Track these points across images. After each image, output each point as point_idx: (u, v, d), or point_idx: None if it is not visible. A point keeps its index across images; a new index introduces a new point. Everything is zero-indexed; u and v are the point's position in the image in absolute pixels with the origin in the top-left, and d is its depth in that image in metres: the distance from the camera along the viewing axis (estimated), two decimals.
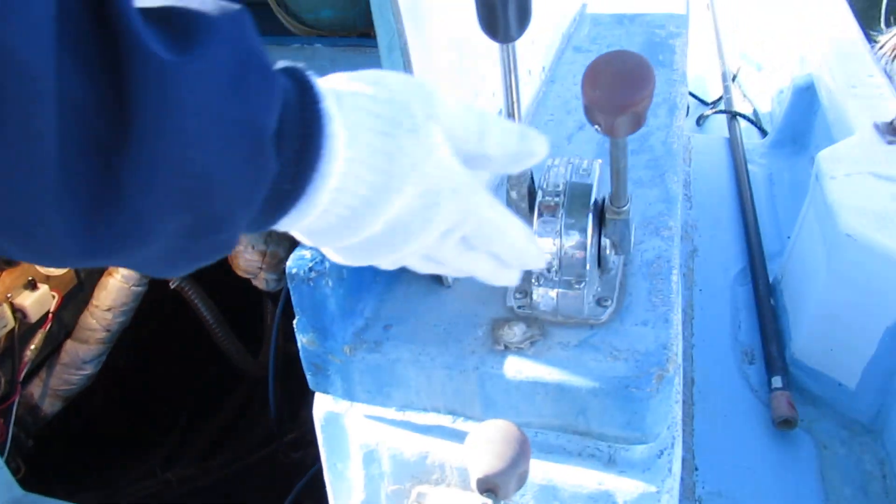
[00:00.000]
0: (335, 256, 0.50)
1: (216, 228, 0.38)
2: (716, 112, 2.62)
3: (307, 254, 0.70)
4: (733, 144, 2.23)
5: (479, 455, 0.57)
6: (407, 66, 0.68)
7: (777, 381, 1.39)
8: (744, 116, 2.48)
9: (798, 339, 1.46)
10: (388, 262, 0.50)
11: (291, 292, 0.71)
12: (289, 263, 0.70)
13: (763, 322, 1.54)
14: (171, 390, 1.96)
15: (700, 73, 3.06)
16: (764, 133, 2.49)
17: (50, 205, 0.31)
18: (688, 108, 2.77)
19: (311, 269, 0.69)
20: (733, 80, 2.89)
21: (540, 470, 0.72)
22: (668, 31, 1.39)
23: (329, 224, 0.43)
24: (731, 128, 2.34)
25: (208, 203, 0.36)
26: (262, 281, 1.73)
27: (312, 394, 1.71)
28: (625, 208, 0.71)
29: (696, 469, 1.30)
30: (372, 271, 0.79)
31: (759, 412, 1.40)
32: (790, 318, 1.53)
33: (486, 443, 0.57)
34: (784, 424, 1.33)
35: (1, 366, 1.57)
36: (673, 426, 0.74)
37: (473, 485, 0.58)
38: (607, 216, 0.72)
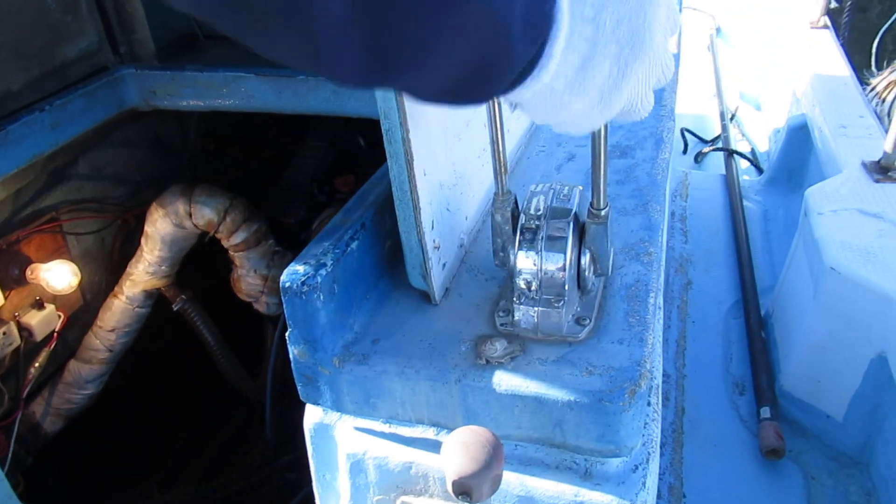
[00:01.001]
0: (584, 113, 0.56)
1: (495, 70, 0.48)
2: (714, 150, 2.67)
3: (300, 268, 0.74)
4: (730, 181, 2.28)
5: (453, 458, 0.60)
6: (399, 104, 0.72)
7: (766, 412, 1.41)
8: (740, 154, 2.52)
9: (787, 370, 1.49)
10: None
11: (284, 305, 0.75)
12: (283, 277, 0.74)
13: (754, 354, 1.56)
14: (170, 412, 1.98)
15: (700, 112, 3.12)
16: (760, 171, 2.54)
17: None
18: (686, 145, 2.83)
19: (303, 283, 0.73)
20: (732, 119, 2.95)
21: (518, 482, 0.75)
22: None
23: (559, 85, 0.52)
24: (728, 165, 2.39)
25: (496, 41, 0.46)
26: (264, 304, 1.77)
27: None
28: (604, 212, 0.74)
29: (685, 496, 1.32)
30: (363, 289, 0.83)
31: (747, 442, 1.42)
32: (780, 350, 1.56)
33: (460, 446, 0.60)
34: (771, 454, 1.35)
35: (5, 382, 1.60)
36: (649, 443, 0.77)
37: (449, 487, 0.61)
38: (588, 221, 0.75)
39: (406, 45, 0.45)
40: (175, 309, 1.81)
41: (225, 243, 1.71)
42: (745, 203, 2.16)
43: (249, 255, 1.71)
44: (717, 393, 1.54)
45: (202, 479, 1.96)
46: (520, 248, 0.76)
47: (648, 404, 0.78)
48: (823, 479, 1.35)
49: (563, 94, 0.54)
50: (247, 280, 1.74)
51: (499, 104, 0.74)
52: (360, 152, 2.00)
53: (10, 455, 1.52)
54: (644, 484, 0.74)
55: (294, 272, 0.74)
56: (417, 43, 0.45)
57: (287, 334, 0.77)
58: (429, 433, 0.77)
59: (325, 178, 1.95)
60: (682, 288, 1.85)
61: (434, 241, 0.80)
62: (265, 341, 1.93)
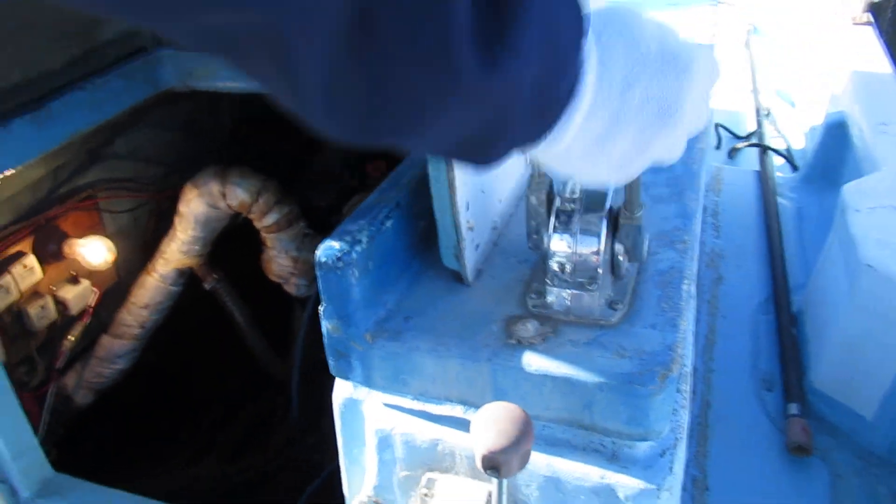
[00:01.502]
0: (603, 174, 0.56)
1: (491, 143, 0.48)
2: (748, 145, 2.64)
3: (336, 244, 0.75)
4: (763, 177, 2.25)
5: (483, 433, 0.60)
6: None
7: (793, 408, 1.40)
8: (775, 151, 2.49)
9: (818, 368, 1.47)
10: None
11: (319, 280, 0.76)
12: (318, 252, 0.75)
13: (784, 350, 1.54)
14: (199, 390, 2.01)
15: (735, 108, 3.08)
16: (795, 168, 2.50)
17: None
18: (720, 140, 2.80)
19: (338, 259, 0.74)
20: (767, 116, 2.91)
21: (545, 462, 0.75)
22: None
23: (576, 152, 0.52)
24: (763, 161, 2.35)
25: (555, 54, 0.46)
26: (293, 286, 1.79)
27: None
28: (638, 215, 0.74)
29: (708, 489, 1.31)
30: (397, 267, 0.84)
31: (774, 438, 1.40)
32: (811, 347, 1.54)
33: (491, 422, 0.60)
34: (798, 451, 1.34)
35: (40, 354, 1.64)
36: (677, 429, 0.77)
37: (478, 461, 0.61)
38: (621, 221, 0.76)
39: (398, 115, 0.44)
40: (207, 288, 1.84)
41: (257, 224, 1.73)
42: (779, 200, 2.13)
43: (281, 237, 1.73)
44: (745, 388, 1.53)
45: (229, 456, 1.99)
46: (554, 231, 0.76)
47: (678, 391, 0.78)
48: (850, 478, 1.34)
49: (580, 159, 0.54)
50: (278, 261, 1.76)
51: None
52: None
53: (43, 424, 1.56)
54: (671, 469, 0.74)
55: (329, 248, 0.75)
56: (412, 114, 0.44)
57: (320, 309, 0.78)
58: (457, 411, 0.78)
59: (356, 163, 1.96)
60: (712, 283, 1.83)
61: (468, 221, 0.81)
62: (293, 323, 1.95)
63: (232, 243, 1.89)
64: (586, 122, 0.50)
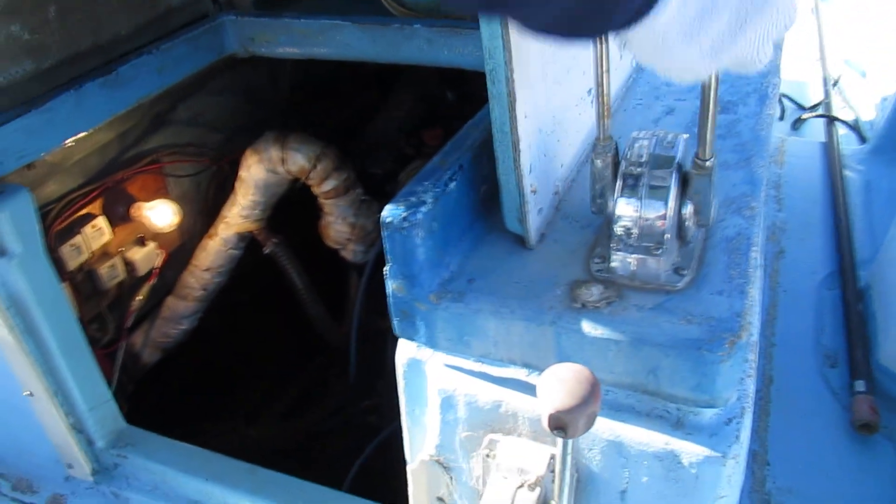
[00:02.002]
0: (692, 62, 0.55)
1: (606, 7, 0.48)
2: (814, 116, 2.55)
3: (401, 205, 0.76)
4: (830, 149, 2.18)
5: (551, 393, 0.60)
6: (506, 43, 0.71)
7: (860, 385, 1.37)
8: (843, 121, 2.40)
9: (886, 344, 1.43)
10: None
11: (384, 240, 0.77)
12: (384, 213, 0.76)
13: (849, 326, 1.50)
14: (258, 352, 2.06)
15: (800, 78, 2.98)
16: (864, 140, 2.41)
17: None
18: (784, 111, 2.71)
19: (404, 220, 0.75)
20: (835, 85, 2.81)
21: (608, 427, 0.75)
22: None
23: (674, 31, 0.52)
24: (829, 132, 2.28)
25: None
26: (350, 252, 1.81)
27: (387, 365, 1.77)
28: (709, 162, 0.72)
29: (768, 464, 1.30)
30: (460, 229, 0.84)
31: (838, 415, 1.37)
32: (878, 323, 1.49)
33: (558, 381, 0.61)
34: (864, 429, 1.31)
35: (111, 313, 1.70)
36: (744, 397, 0.76)
37: (545, 421, 0.61)
38: (692, 171, 0.73)
39: None
40: (266, 252, 1.88)
41: (315, 190, 1.76)
42: (846, 172, 2.06)
43: (338, 203, 1.75)
44: (807, 364, 1.50)
45: (285, 417, 2.05)
46: (620, 195, 0.75)
47: (745, 360, 0.77)
48: None
49: (676, 40, 0.53)
50: (335, 227, 1.78)
51: (606, 45, 0.73)
52: (449, 106, 2.00)
53: (115, 378, 1.63)
54: (738, 437, 0.73)
55: (395, 208, 0.76)
56: None
57: (385, 269, 0.79)
58: (520, 374, 0.78)
59: (412, 131, 1.97)
60: (773, 256, 1.79)
61: (531, 185, 0.80)
62: (349, 289, 1.98)
63: (291, 210, 1.92)
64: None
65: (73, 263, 1.54)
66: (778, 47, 1.33)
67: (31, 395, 1.24)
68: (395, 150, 1.97)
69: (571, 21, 0.50)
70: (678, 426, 0.73)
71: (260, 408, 2.07)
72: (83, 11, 1.31)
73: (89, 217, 1.57)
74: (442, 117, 2.00)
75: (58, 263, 1.47)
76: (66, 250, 1.51)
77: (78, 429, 1.30)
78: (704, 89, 0.67)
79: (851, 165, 2.13)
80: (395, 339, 0.86)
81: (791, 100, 2.77)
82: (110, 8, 1.36)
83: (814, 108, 2.67)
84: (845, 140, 2.39)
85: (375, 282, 1.71)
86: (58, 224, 1.50)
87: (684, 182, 0.74)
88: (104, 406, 1.33)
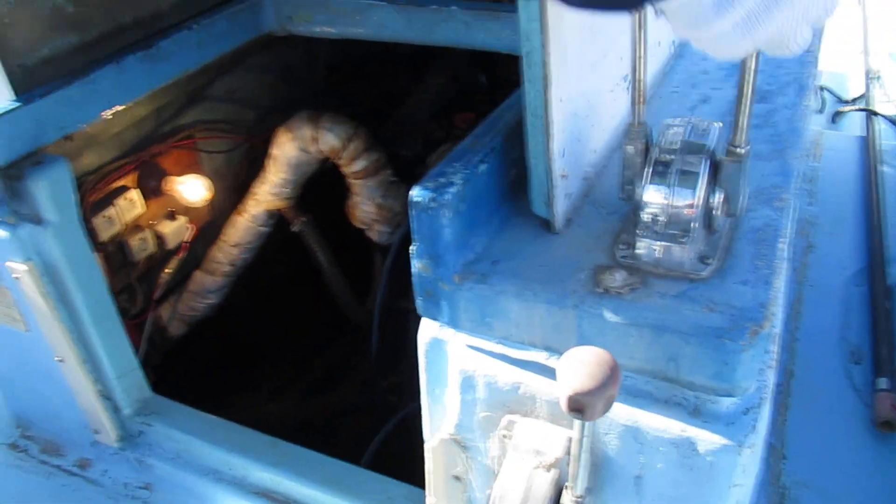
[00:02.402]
0: (725, 35, 0.55)
1: None
2: (854, 109, 2.51)
3: (430, 185, 0.77)
4: (868, 143, 2.14)
5: (570, 374, 0.61)
6: (543, 26, 0.71)
7: (883, 383, 1.35)
8: (883, 116, 2.36)
9: None
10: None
11: (411, 220, 0.78)
12: (413, 192, 0.76)
13: (876, 323, 1.49)
14: (281, 329, 2.09)
15: (841, 70, 2.92)
16: None
17: None
18: (823, 103, 2.67)
19: (432, 200, 0.75)
20: (877, 79, 2.75)
21: (625, 412, 0.75)
22: None
23: None
24: (869, 127, 2.24)
25: None
26: (376, 233, 1.83)
27: (409, 345, 1.79)
28: (743, 150, 0.72)
29: (785, 458, 1.29)
30: (487, 211, 0.85)
31: (859, 411, 1.36)
32: None
33: (578, 364, 0.61)
34: (885, 426, 1.30)
35: (140, 285, 1.74)
36: (763, 388, 0.76)
37: (563, 403, 0.62)
38: (723, 158, 0.73)
39: None
40: (293, 230, 1.90)
41: (345, 170, 1.77)
42: (882, 168, 2.02)
43: (367, 184, 1.76)
44: (831, 359, 1.48)
45: (307, 394, 2.08)
46: (650, 182, 0.75)
47: (766, 351, 0.77)
48: None
49: (710, 8, 0.52)
50: (362, 208, 1.80)
51: (644, 30, 0.73)
52: (481, 90, 2.00)
53: (142, 348, 1.66)
54: (754, 427, 0.73)
55: (424, 188, 0.77)
56: None
57: (411, 248, 0.80)
58: (540, 357, 0.79)
59: (443, 114, 1.97)
60: (802, 251, 1.77)
61: (562, 169, 0.81)
62: (374, 269, 2.00)
63: (319, 189, 1.94)
64: None
65: (105, 234, 1.57)
66: (817, 36, 1.31)
67: (62, 361, 1.28)
68: (426, 132, 1.98)
69: None
70: (695, 414, 0.74)
71: (283, 384, 2.10)
72: None
73: (123, 189, 1.60)
74: (473, 101, 2.00)
75: (91, 234, 1.51)
76: (99, 221, 1.54)
77: (105, 396, 1.34)
78: (743, 74, 0.67)
79: (889, 161, 2.09)
80: (418, 320, 0.87)
81: (831, 92, 2.73)
82: None
83: (854, 101, 2.63)
84: (885, 135, 2.35)
85: (400, 263, 1.73)
86: (92, 195, 1.53)
87: (715, 170, 0.74)
88: (131, 374, 1.36)
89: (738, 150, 0.72)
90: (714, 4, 0.52)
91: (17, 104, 1.13)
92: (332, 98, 2.07)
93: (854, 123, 2.45)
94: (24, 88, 1.18)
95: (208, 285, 1.91)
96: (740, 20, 0.54)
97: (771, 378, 0.79)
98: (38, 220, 1.14)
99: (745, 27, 0.54)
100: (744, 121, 0.70)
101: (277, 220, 1.92)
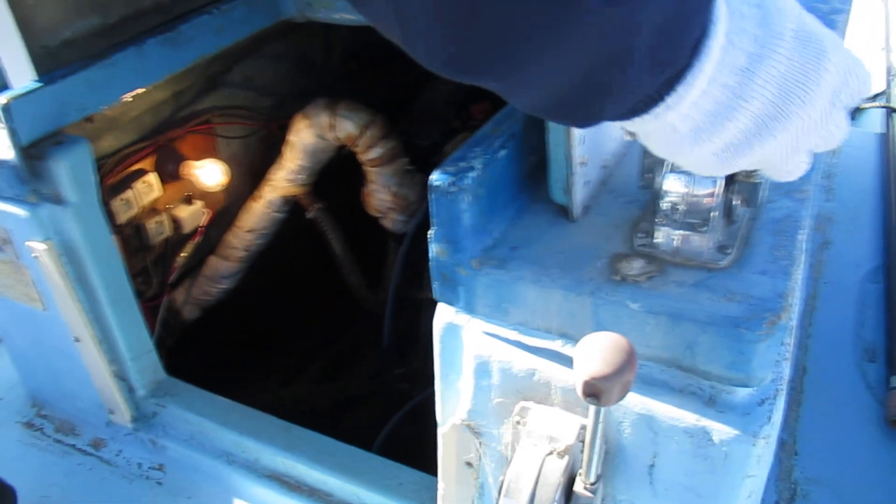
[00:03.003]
0: (704, 161, 0.52)
1: (605, 93, 0.44)
2: (874, 106, 2.48)
3: (450, 169, 0.77)
4: (888, 140, 2.12)
5: (587, 359, 0.61)
6: None
7: None
8: None
9: None
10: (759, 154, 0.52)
11: (430, 204, 0.78)
12: (432, 177, 0.77)
13: (891, 320, 1.48)
14: (294, 315, 2.10)
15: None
16: None
17: None
18: None
19: (452, 184, 0.76)
20: None
21: (640, 401, 0.76)
22: (832, 5, 1.34)
23: (684, 128, 0.49)
24: (889, 124, 2.22)
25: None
26: (391, 221, 1.83)
27: (421, 334, 1.79)
28: (755, 172, 0.72)
29: (797, 454, 1.29)
30: (505, 197, 0.85)
31: (872, 409, 1.36)
32: None
33: (595, 349, 0.61)
34: None
35: (154, 268, 1.75)
36: (779, 380, 0.76)
37: (579, 388, 0.62)
38: (738, 178, 0.74)
39: (494, 44, 0.40)
40: (308, 217, 1.91)
41: (361, 157, 1.77)
42: None
43: (383, 171, 1.76)
44: (844, 356, 1.48)
45: (319, 380, 2.09)
46: (670, 170, 0.75)
47: (783, 342, 0.77)
48: None
49: (686, 136, 0.49)
50: (377, 196, 1.80)
51: None
52: None
53: (157, 330, 1.68)
54: (769, 419, 0.73)
55: (444, 172, 0.77)
56: (507, 45, 0.40)
57: (430, 233, 0.80)
58: (556, 344, 0.79)
59: (461, 104, 1.97)
60: (818, 247, 1.76)
61: (581, 156, 0.81)
62: (387, 258, 2.00)
63: (334, 176, 1.94)
64: (702, 97, 0.46)
65: (122, 217, 1.58)
66: (842, 31, 1.30)
67: (79, 340, 1.29)
68: (442, 122, 1.98)
69: (559, 106, 0.46)
70: (710, 404, 0.74)
71: (295, 370, 2.12)
72: None
73: (141, 173, 1.61)
74: (490, 91, 2.00)
75: (108, 216, 1.52)
76: (116, 204, 1.55)
77: (120, 376, 1.35)
78: None
79: None
80: (431, 309, 0.87)
81: None
82: None
83: (874, 98, 2.60)
84: None
85: (413, 252, 1.73)
86: (110, 178, 1.54)
87: (732, 176, 0.74)
88: (146, 356, 1.37)
89: (752, 173, 0.72)
90: (692, 133, 0.49)
91: (40, 84, 1.14)
92: (349, 86, 2.08)
93: (873, 121, 2.43)
94: (47, 69, 1.19)
95: (222, 270, 1.92)
96: (719, 150, 0.51)
97: (787, 370, 0.79)
98: (58, 200, 1.15)
99: (724, 157, 0.51)
100: None
101: (292, 207, 1.92)
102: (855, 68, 0.52)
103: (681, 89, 0.46)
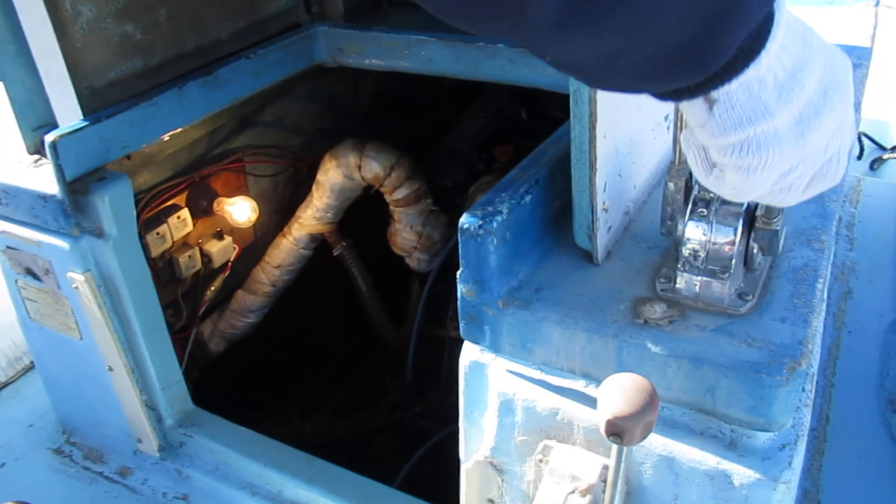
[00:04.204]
0: (786, 133, 0.52)
1: (727, 22, 0.44)
2: (893, 157, 2.50)
3: (478, 213, 0.80)
4: None
5: (610, 399, 0.63)
6: None
7: None
8: None
9: None
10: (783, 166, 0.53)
11: (460, 246, 0.81)
12: (462, 220, 0.80)
13: None
14: (317, 349, 2.13)
15: (883, 118, 2.91)
16: None
17: None
18: (862, 150, 2.66)
19: (480, 227, 0.79)
20: None
21: (661, 442, 0.77)
22: (851, 58, 1.38)
23: (770, 82, 0.49)
24: None
25: None
26: (415, 260, 1.86)
27: (441, 372, 1.80)
28: (775, 220, 0.75)
29: (819, 503, 1.28)
30: (531, 240, 0.88)
31: (895, 459, 1.35)
32: None
33: (618, 389, 0.63)
34: None
35: (185, 301, 1.79)
36: (799, 426, 0.77)
37: (602, 427, 0.64)
38: (757, 225, 0.76)
39: None
40: (335, 254, 1.94)
41: (387, 198, 1.81)
42: None
43: (408, 212, 1.80)
44: (868, 407, 1.47)
45: (338, 414, 2.10)
46: (690, 218, 0.78)
47: (803, 389, 0.78)
48: None
49: (772, 94, 0.49)
50: (402, 235, 1.83)
51: None
52: (522, 124, 2.04)
53: (185, 362, 1.71)
54: (790, 464, 0.74)
55: (472, 216, 0.80)
56: None
57: (458, 273, 0.83)
58: (579, 385, 0.81)
59: (484, 147, 2.01)
60: (840, 296, 1.77)
61: (604, 203, 0.84)
62: (410, 296, 2.03)
63: (359, 215, 1.98)
64: (783, 46, 0.48)
65: (156, 251, 1.62)
66: (860, 83, 1.33)
67: (111, 369, 1.33)
68: (466, 164, 2.02)
69: (695, 38, 0.43)
70: (731, 447, 0.75)
71: (314, 404, 2.13)
72: (189, 15, 1.41)
73: (175, 208, 1.66)
74: (513, 134, 2.04)
75: (143, 249, 1.57)
76: (151, 238, 1.60)
77: (150, 406, 1.38)
78: None
79: None
80: (452, 347, 0.90)
81: (871, 139, 2.72)
82: (213, 13, 1.46)
83: (894, 148, 2.62)
84: None
85: (436, 291, 1.76)
86: (146, 212, 1.59)
87: (754, 216, 0.77)
88: (176, 386, 1.40)
89: (771, 220, 0.74)
90: (776, 90, 0.49)
91: (86, 123, 1.19)
92: (375, 127, 2.13)
93: (893, 171, 2.44)
94: (92, 109, 1.25)
95: (249, 305, 1.95)
96: (795, 116, 0.51)
97: (807, 416, 0.80)
98: (99, 234, 1.20)
99: (799, 126, 0.51)
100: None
101: (319, 244, 1.96)
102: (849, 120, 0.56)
103: (774, 28, 0.47)
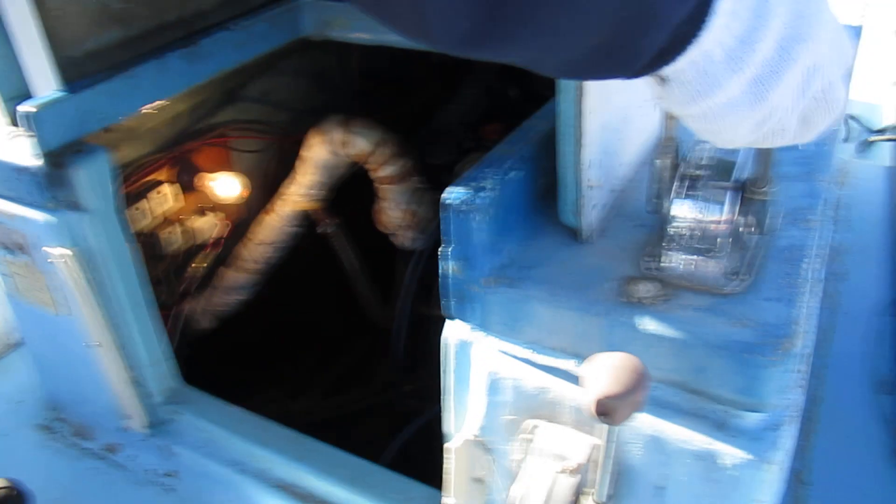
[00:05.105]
0: (741, 101, 0.50)
1: (642, 26, 0.43)
2: (882, 139, 2.49)
3: (463, 189, 0.78)
4: None
5: (599, 378, 0.62)
6: None
7: None
8: None
9: None
10: (758, 116, 0.51)
11: (443, 223, 0.79)
12: (444, 195, 0.78)
13: None
14: (306, 328, 2.11)
15: (871, 101, 2.90)
16: None
17: None
18: (848, 132, 2.65)
19: (465, 203, 0.77)
20: None
21: (650, 422, 0.76)
22: None
23: (718, 55, 0.48)
24: None
25: None
26: (402, 238, 1.84)
27: (430, 351, 1.79)
28: (764, 189, 0.73)
29: (809, 484, 1.28)
30: (517, 217, 0.86)
31: (887, 443, 1.35)
32: None
33: (607, 368, 0.62)
34: None
35: (172, 277, 1.76)
36: (791, 406, 0.76)
37: (591, 406, 0.63)
38: (747, 195, 0.75)
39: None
40: (319, 231, 1.92)
41: (373, 175, 1.79)
42: None
43: (395, 189, 1.78)
44: (860, 388, 1.47)
45: (327, 393, 2.09)
46: (677, 196, 0.76)
47: (795, 369, 0.77)
48: None
49: (721, 66, 0.48)
50: (389, 213, 1.81)
51: None
52: (510, 102, 2.02)
53: (177, 339, 1.69)
54: (780, 444, 0.73)
55: (457, 192, 0.78)
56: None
57: (443, 251, 0.81)
58: (568, 364, 0.80)
59: (473, 125, 1.99)
60: (834, 278, 1.76)
61: (590, 180, 0.82)
62: (398, 274, 2.01)
63: (346, 193, 1.96)
64: (731, 16, 0.46)
65: (137, 226, 1.60)
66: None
67: (99, 345, 1.30)
68: (455, 142, 1.99)
69: (614, 43, 0.44)
70: (721, 428, 0.74)
71: (303, 383, 2.12)
72: None
73: (156, 183, 1.63)
74: (502, 113, 2.01)
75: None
76: (132, 213, 1.57)
77: (138, 382, 1.36)
78: None
79: None
80: (439, 325, 0.88)
81: (858, 122, 2.71)
82: None
83: (882, 131, 2.61)
84: None
85: (423, 269, 1.74)
86: (126, 187, 1.56)
87: (743, 189, 0.75)
88: (164, 363, 1.38)
89: (760, 189, 0.72)
90: (726, 61, 0.48)
91: (64, 94, 1.16)
92: (364, 104, 2.10)
93: (882, 154, 2.43)
94: (70, 79, 1.21)
95: (235, 282, 1.93)
96: (752, 81, 0.49)
97: (799, 397, 0.79)
98: (76, 207, 1.17)
99: (755, 88, 0.50)
100: (764, 170, 0.71)
101: (306, 221, 1.94)
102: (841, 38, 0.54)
103: (714, 6, 0.45)
